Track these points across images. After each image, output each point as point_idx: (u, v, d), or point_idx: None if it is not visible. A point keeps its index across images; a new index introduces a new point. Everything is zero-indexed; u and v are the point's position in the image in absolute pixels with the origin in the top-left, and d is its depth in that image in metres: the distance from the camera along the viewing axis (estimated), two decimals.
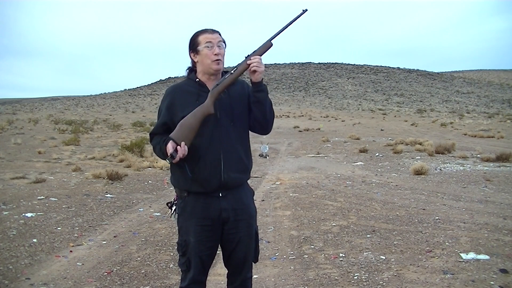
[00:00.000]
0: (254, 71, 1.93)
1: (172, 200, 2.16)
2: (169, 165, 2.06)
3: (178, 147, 1.89)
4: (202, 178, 2.00)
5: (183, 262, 2.07)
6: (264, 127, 2.09)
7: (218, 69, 2.02)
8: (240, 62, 1.98)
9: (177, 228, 2.11)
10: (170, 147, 1.89)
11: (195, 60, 2.05)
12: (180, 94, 2.05)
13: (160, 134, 2.07)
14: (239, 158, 2.05)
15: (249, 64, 1.93)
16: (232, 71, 1.98)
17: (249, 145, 2.14)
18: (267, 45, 2.01)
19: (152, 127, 2.13)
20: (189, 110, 1.98)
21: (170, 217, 2.15)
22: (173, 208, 2.12)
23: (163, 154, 1.97)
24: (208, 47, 1.99)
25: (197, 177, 2.00)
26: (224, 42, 2.04)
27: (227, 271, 2.19)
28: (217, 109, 2.00)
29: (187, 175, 2.00)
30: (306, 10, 2.01)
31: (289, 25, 2.03)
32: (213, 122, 2.00)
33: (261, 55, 1.98)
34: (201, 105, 1.95)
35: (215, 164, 1.99)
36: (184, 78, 2.16)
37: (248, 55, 1.98)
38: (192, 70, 2.11)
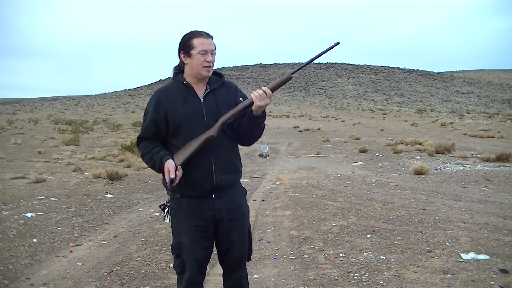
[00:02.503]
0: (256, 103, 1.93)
1: (165, 201, 2.15)
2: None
3: (177, 172, 1.90)
4: (195, 183, 2.01)
5: (177, 264, 2.07)
6: (246, 142, 2.12)
7: (208, 76, 2.03)
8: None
9: (172, 228, 2.13)
10: (171, 169, 1.88)
11: (185, 62, 2.03)
12: (167, 96, 2.04)
13: (149, 139, 2.05)
14: (229, 159, 2.07)
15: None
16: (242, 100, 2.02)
17: (237, 145, 2.15)
18: (286, 78, 2.03)
19: (140, 131, 2.09)
20: (177, 113, 1.99)
21: (164, 219, 2.15)
22: (166, 210, 2.12)
23: (158, 169, 1.98)
24: (202, 54, 1.97)
25: (189, 181, 2.00)
26: (215, 47, 2.05)
27: (222, 271, 2.20)
28: (205, 112, 2.01)
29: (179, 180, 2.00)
30: (339, 43, 2.00)
31: (317, 57, 2.03)
32: (201, 126, 1.99)
33: (274, 89, 1.99)
34: (206, 132, 1.96)
35: (206, 167, 2.00)
36: (171, 79, 2.15)
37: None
38: (179, 71, 2.08)
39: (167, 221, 2.12)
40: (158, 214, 5.55)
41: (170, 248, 2.15)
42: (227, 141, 2.05)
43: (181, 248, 2.04)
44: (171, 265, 3.67)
